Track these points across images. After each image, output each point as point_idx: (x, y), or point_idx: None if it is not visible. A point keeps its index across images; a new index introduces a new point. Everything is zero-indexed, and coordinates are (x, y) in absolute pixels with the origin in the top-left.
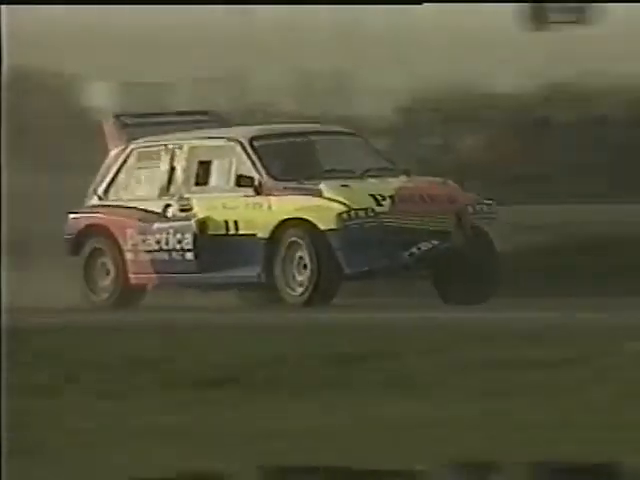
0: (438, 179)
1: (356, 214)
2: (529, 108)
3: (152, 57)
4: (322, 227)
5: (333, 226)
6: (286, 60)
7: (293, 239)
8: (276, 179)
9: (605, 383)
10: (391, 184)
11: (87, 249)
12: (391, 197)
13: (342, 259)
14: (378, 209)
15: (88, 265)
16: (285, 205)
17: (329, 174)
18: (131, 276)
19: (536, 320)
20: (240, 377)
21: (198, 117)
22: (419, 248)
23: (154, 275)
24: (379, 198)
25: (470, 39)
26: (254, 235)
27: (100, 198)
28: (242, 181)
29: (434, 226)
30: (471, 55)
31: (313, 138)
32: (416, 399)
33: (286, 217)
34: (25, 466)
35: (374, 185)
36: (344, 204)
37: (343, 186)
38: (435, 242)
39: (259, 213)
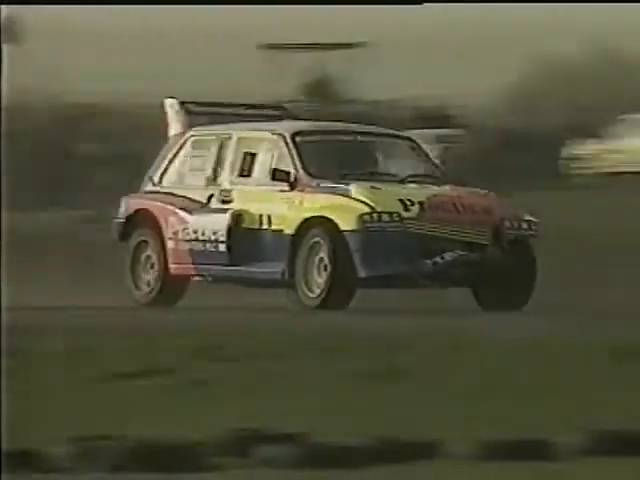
0: (481, 190)
1: (379, 217)
2: None
3: None
4: (342, 227)
5: (353, 227)
6: None
7: (315, 238)
8: (312, 176)
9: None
10: (427, 191)
11: (134, 241)
12: (421, 203)
13: (358, 262)
14: (405, 214)
15: (134, 257)
16: (313, 203)
17: (368, 175)
18: (171, 266)
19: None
20: None
21: (269, 111)
22: (443, 258)
23: (191, 266)
24: (408, 203)
25: None
26: (282, 231)
27: (154, 184)
28: (278, 175)
29: (467, 237)
30: None
31: (361, 138)
32: None
33: (310, 215)
34: None
35: (408, 190)
36: (369, 206)
37: (373, 188)
38: (462, 253)
39: (290, 209)
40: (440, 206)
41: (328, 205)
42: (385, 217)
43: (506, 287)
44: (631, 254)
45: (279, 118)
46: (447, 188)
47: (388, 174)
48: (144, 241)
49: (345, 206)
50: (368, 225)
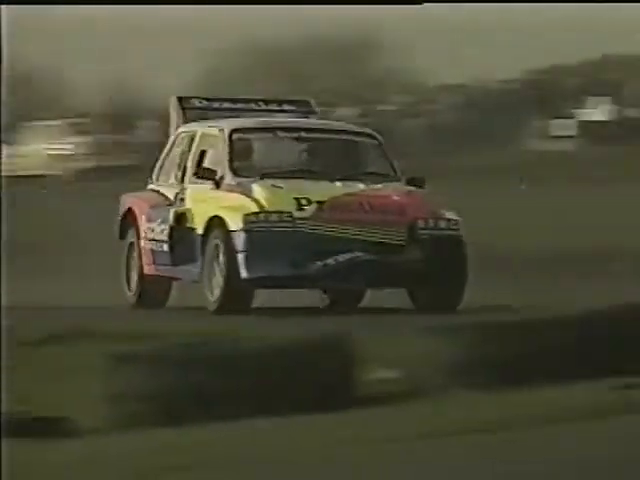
0: (406, 188)
1: (266, 217)
2: None
3: None
4: (231, 227)
5: (239, 227)
6: None
7: (216, 240)
8: (235, 174)
9: None
10: (339, 189)
11: (127, 240)
12: (320, 203)
13: (241, 263)
14: (297, 214)
15: (127, 257)
16: (221, 202)
17: (293, 173)
18: (144, 266)
19: None
20: None
21: (288, 106)
22: (336, 259)
23: (153, 265)
24: (304, 202)
25: None
26: (195, 230)
27: (151, 181)
28: (203, 174)
29: (373, 237)
30: None
31: (306, 135)
32: None
33: (212, 215)
34: None
35: (317, 189)
36: (260, 205)
37: (274, 186)
38: (359, 254)
39: (208, 208)
40: (342, 206)
41: (227, 205)
42: (274, 217)
43: (425, 287)
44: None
45: (303, 113)
46: (379, 187)
47: (317, 172)
48: (132, 241)
49: (240, 206)
50: (253, 225)
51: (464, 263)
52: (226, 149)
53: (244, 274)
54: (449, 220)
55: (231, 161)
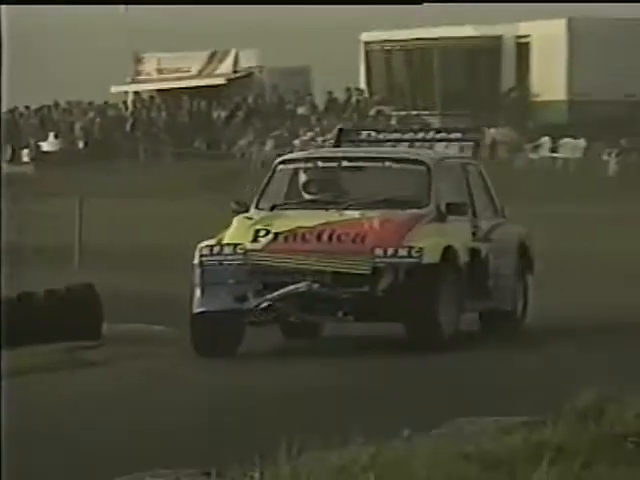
0: (395, 217)
1: (220, 249)
2: None
3: None
4: (194, 261)
5: (195, 260)
6: None
7: None
8: (256, 207)
9: None
10: (316, 219)
11: None
12: (276, 234)
13: (195, 297)
14: (250, 246)
15: None
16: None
17: (300, 205)
18: None
19: None
20: None
21: (444, 134)
22: (279, 292)
23: None
24: (261, 234)
25: None
26: None
27: None
28: (235, 206)
29: (327, 267)
30: None
31: (347, 164)
32: None
33: None
34: None
35: (291, 220)
36: (220, 238)
37: (246, 218)
38: (300, 285)
39: None
40: (300, 236)
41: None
42: (227, 249)
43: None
44: None
45: (468, 140)
46: (370, 215)
47: (333, 201)
48: None
49: (212, 239)
50: (203, 259)
51: (425, 292)
52: (264, 181)
53: (195, 308)
54: (411, 249)
55: (261, 194)
